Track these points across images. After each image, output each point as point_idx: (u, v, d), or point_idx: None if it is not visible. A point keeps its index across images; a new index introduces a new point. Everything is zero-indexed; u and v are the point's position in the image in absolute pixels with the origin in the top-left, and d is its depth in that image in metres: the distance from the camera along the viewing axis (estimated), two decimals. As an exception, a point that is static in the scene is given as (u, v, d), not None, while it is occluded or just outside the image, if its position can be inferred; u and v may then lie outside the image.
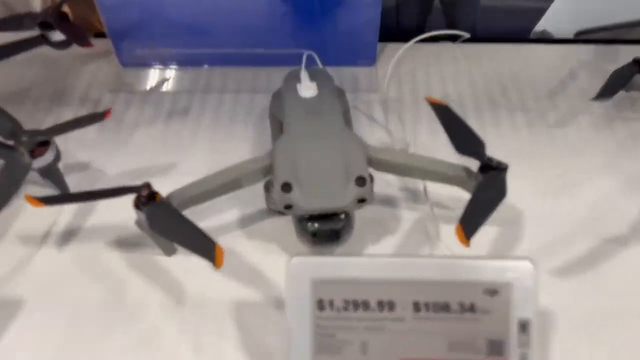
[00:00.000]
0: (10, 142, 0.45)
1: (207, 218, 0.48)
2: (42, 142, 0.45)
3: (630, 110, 0.59)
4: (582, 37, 0.67)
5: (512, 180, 0.43)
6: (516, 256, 0.36)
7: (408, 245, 0.47)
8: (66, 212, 0.49)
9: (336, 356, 0.35)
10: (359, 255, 0.40)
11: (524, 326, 0.34)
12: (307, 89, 0.48)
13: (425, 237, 0.48)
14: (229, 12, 0.60)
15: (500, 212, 0.45)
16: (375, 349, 0.35)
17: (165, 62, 0.64)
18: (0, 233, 0.48)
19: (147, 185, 0.41)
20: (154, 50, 0.63)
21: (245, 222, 0.49)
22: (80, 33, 0.52)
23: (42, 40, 0.54)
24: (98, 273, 0.46)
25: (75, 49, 0.57)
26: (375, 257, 0.36)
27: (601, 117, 0.58)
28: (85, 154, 0.55)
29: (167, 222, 0.39)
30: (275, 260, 0.46)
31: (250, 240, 0.48)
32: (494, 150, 0.44)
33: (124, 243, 0.47)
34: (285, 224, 0.47)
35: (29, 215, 0.49)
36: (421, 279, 0.35)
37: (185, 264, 0.46)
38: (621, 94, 0.57)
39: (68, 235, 0.48)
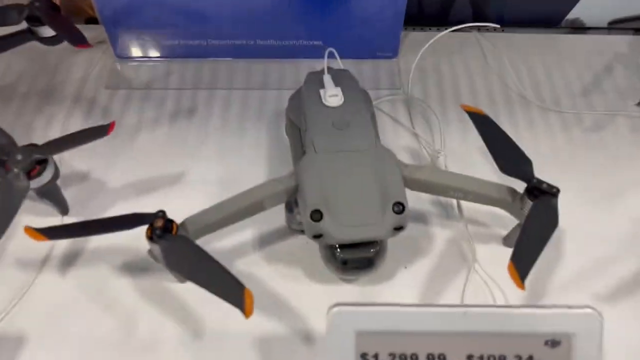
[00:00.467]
0: (3, 159, 0.40)
1: (219, 239, 0.44)
2: (39, 160, 0.40)
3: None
4: (617, 27, 0.63)
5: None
6: (579, 305, 0.34)
7: (443, 268, 0.44)
8: (66, 232, 0.45)
9: (381, 413, 0.32)
10: (407, 304, 0.36)
11: (588, 381, 0.31)
12: (332, 96, 0.43)
13: (461, 259, 0.44)
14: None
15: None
16: (424, 406, 0.32)
17: (166, 54, 0.59)
18: (-5, 257, 0.44)
19: (162, 215, 0.36)
20: (153, 40, 0.57)
21: (263, 243, 0.45)
22: (72, 30, 0.46)
23: (31, 35, 0.48)
24: (105, 302, 0.42)
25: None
26: (424, 307, 0.32)
27: (639, 118, 0.54)
28: (83, 163, 0.50)
29: (187, 259, 0.35)
30: (299, 288, 0.42)
31: (270, 264, 0.44)
32: (530, 154, 0.40)
33: (133, 267, 0.43)
34: (308, 245, 0.43)
35: (25, 236, 0.44)
36: (475, 330, 0.31)
37: (202, 292, 0.42)
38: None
39: (70, 259, 0.44)
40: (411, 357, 0.31)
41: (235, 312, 0.40)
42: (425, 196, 0.47)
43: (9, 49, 0.48)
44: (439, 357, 0.31)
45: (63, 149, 0.40)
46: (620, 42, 0.62)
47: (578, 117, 0.54)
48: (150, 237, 0.36)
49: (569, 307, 0.32)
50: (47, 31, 0.47)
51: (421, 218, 0.47)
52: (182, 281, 0.42)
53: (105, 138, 0.50)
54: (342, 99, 0.44)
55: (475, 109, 0.44)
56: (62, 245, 0.44)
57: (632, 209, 0.47)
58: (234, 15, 0.55)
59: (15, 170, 0.39)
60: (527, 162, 0.40)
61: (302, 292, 0.42)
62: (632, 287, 0.43)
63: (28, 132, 0.52)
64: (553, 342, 0.31)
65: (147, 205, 0.47)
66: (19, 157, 0.39)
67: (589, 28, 0.63)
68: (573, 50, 0.61)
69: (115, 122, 0.42)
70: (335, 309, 0.31)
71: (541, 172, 0.40)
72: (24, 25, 0.48)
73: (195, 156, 0.51)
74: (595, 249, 0.45)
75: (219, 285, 0.34)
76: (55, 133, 0.52)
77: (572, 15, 0.62)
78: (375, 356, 0.31)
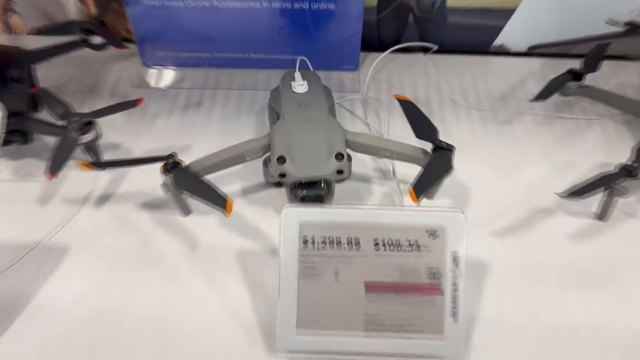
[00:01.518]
0: (63, 123, 0.56)
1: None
2: (87, 123, 0.57)
3: (566, 111, 0.71)
4: (534, 51, 0.80)
5: (466, 165, 0.55)
6: (450, 207, 0.49)
7: (377, 211, 0.59)
8: (102, 181, 0.61)
9: (315, 281, 0.46)
10: (334, 205, 0.52)
11: (455, 259, 0.46)
12: (299, 86, 0.60)
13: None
14: (235, 23, 0.72)
15: (455, 188, 0.59)
16: (345, 276, 0.46)
17: (181, 64, 0.76)
18: (49, 196, 0.60)
19: (173, 155, 0.53)
20: (172, 53, 0.75)
21: (246, 193, 0.61)
22: (115, 37, 0.64)
23: (83, 43, 0.65)
24: (129, 228, 0.57)
25: (104, 52, 0.69)
26: (346, 206, 0.47)
27: (542, 116, 0.70)
28: (116, 137, 0.66)
29: (189, 182, 0.51)
30: (270, 221, 0.57)
31: (251, 206, 0.59)
32: (454, 141, 0.56)
33: (149, 205, 0.59)
34: (279, 194, 0.59)
35: (71, 182, 0.61)
36: (381, 223, 0.46)
37: (199, 222, 0.57)
38: (560, 98, 0.69)
39: (104, 199, 0.60)
40: (336, 240, 0.46)
41: (223, 235, 0.55)
42: (370, 164, 0.63)
43: (68, 52, 0.66)
44: (354, 240, 0.46)
45: (104, 114, 0.57)
46: (535, 63, 0.78)
47: (494, 114, 0.71)
48: (165, 170, 0.52)
49: (442, 208, 0.47)
50: (97, 39, 0.65)
51: (365, 179, 0.62)
52: (184, 215, 0.58)
53: (131, 121, 0.67)
54: (307, 88, 0.60)
55: (404, 97, 0.60)
56: (99, 189, 0.60)
57: (526, 178, 0.63)
58: (235, 36, 0.73)
59: (72, 127, 0.56)
60: (434, 130, 0.56)
61: (271, 224, 0.57)
62: (516, 228, 0.57)
63: (75, 116, 0.69)
64: (432, 232, 0.46)
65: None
66: (75, 119, 0.56)
67: (512, 53, 0.80)
68: (497, 68, 0.78)
69: (143, 99, 0.58)
70: (286, 209, 0.47)
71: (461, 151, 0.55)
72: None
73: (201, 136, 0.68)
74: (495, 203, 0.60)
75: (210, 196, 0.50)
76: (95, 117, 0.69)
77: (498, 42, 0.79)
78: (312, 239, 0.46)
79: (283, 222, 0.47)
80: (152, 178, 0.55)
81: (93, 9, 0.75)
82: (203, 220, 0.57)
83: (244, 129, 0.68)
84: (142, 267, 0.53)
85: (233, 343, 0.48)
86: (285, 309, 0.46)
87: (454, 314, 0.46)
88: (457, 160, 0.54)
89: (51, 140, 0.57)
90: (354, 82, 0.75)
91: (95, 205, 0.59)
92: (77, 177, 0.61)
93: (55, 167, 0.53)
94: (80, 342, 0.48)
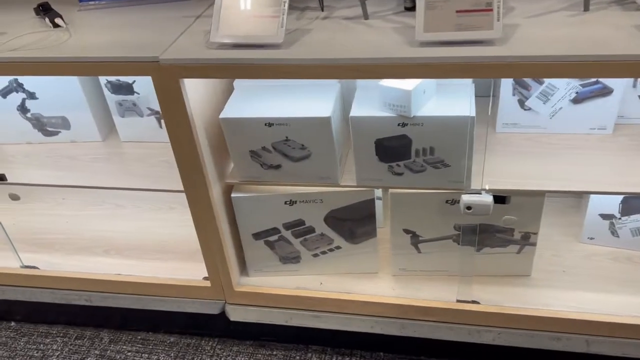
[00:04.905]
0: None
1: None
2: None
3: None
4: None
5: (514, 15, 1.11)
6: None
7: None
8: (323, 14, 1.24)
9: (433, 8, 1.03)
10: None
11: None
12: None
13: None
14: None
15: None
16: (447, 7, 1.02)
17: None
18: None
19: (364, -19, 1.14)
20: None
21: (392, 13, 1.20)
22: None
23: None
24: (341, 25, 1.18)
25: None
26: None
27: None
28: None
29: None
30: (406, 18, 1.16)
31: (396, 15, 1.18)
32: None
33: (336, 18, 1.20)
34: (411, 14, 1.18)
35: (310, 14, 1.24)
36: (463, -15, 1.03)
37: (372, 20, 1.17)
38: None
39: (325, 17, 1.22)
40: (442, -8, 1.03)
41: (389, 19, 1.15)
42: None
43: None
44: (451, -8, 1.03)
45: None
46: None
47: None
48: (361, -14, 1.14)
49: (493, -21, 1.02)
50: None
51: None
52: (365, 18, 1.18)
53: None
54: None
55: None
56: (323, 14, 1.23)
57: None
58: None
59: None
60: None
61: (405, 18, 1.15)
62: (542, 18, 1.11)
63: None
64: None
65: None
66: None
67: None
68: None
69: None
70: None
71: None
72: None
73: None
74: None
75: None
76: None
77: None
78: (431, -7, 1.04)
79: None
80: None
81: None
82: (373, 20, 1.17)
83: None
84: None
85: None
86: (419, 20, 1.03)
87: (498, 19, 1.00)
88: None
89: None
90: None
91: (322, 19, 1.22)
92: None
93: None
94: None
